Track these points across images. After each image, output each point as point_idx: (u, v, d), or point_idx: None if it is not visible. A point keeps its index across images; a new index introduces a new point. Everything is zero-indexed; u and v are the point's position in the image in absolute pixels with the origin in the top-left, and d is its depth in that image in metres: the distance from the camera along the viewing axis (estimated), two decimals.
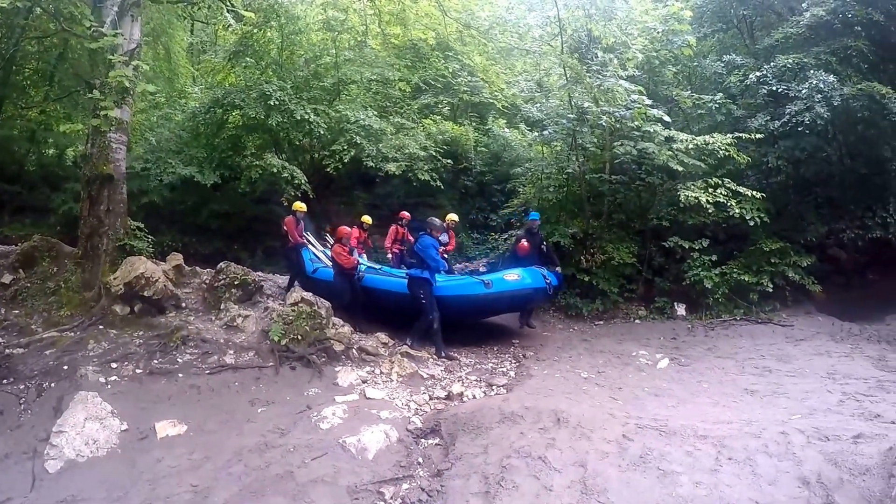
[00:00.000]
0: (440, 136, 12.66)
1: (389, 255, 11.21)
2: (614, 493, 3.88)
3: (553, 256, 9.55)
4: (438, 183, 12.31)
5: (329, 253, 9.67)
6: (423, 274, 7.94)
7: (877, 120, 9.80)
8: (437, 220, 8.61)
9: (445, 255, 10.84)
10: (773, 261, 9.75)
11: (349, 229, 9.46)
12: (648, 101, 9.43)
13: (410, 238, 10.50)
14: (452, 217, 10.74)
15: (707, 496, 3.69)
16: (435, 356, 7.90)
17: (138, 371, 6.13)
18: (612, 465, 4.20)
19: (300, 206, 10.41)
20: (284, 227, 10.17)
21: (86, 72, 7.98)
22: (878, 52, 10.80)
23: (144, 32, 9.75)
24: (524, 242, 9.44)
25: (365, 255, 10.97)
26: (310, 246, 10.59)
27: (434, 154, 12.20)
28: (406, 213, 11.41)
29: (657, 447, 4.31)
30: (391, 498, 4.30)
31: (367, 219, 11.23)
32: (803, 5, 10.88)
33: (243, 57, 13.07)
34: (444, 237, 9.75)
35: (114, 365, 6.14)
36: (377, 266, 10.19)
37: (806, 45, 10.67)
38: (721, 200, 9.17)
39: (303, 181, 11.81)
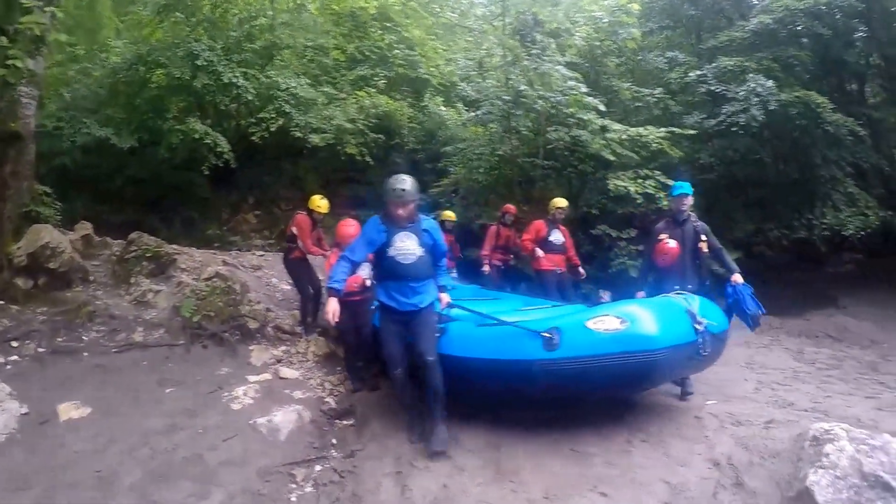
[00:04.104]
0: (373, 110, 12.27)
1: (486, 269, 8.62)
2: (527, 473, 3.80)
3: (726, 259, 5.59)
4: (368, 158, 11.87)
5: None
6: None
7: (811, 128, 10.15)
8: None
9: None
10: None
11: (354, 225, 5.79)
12: (584, 89, 9.36)
13: (521, 243, 7.99)
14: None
15: (620, 476, 3.69)
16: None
17: (41, 350, 5.70)
18: (525, 444, 4.15)
19: (319, 202, 7.12)
20: (293, 229, 7.04)
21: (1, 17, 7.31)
22: (819, 63, 11.29)
23: None
24: (667, 242, 5.43)
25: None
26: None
27: (362, 128, 11.77)
28: (511, 207, 8.96)
29: (569, 428, 4.30)
30: (303, 480, 4.11)
31: (450, 214, 9.09)
32: (753, 11, 11.14)
33: (173, 11, 12.22)
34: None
35: (14, 343, 5.69)
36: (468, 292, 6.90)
37: (750, 50, 11.01)
38: (650, 192, 9.21)
39: (226, 149, 11.14)
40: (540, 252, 7.54)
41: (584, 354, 3.93)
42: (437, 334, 4.43)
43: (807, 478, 3.12)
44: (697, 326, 4.27)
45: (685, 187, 5.68)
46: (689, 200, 5.64)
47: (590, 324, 4.01)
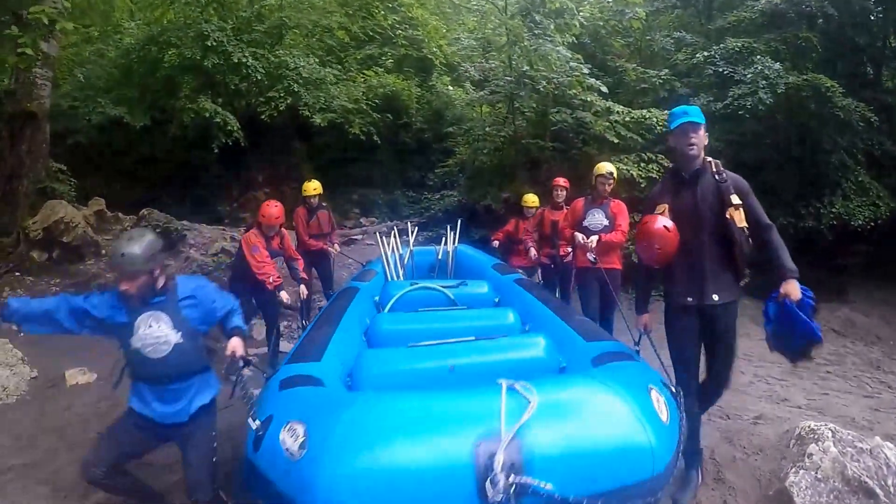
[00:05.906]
0: (381, 90, 12.30)
1: (532, 254, 6.46)
2: None
3: (775, 247, 2.99)
4: (375, 138, 11.94)
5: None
6: None
7: (822, 113, 9.91)
8: None
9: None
10: None
11: (278, 206, 5.45)
12: (586, 70, 9.26)
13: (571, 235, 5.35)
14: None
15: None
16: None
17: None
18: None
19: (306, 185, 6.92)
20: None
21: (14, 2, 7.53)
22: (829, 46, 10.95)
23: None
24: (654, 219, 3.05)
25: None
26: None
27: (366, 107, 11.85)
28: (562, 179, 6.76)
29: None
30: None
31: (532, 199, 7.13)
32: None
33: None
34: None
35: None
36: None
37: (759, 31, 10.78)
38: (654, 176, 9.06)
39: (235, 128, 11.32)
40: (580, 238, 5.16)
41: (264, 475, 2.41)
42: (214, 457, 3.02)
43: (787, 478, 3.02)
44: (490, 489, 1.91)
45: (692, 112, 3.04)
46: (701, 136, 3.06)
47: (284, 431, 2.39)
